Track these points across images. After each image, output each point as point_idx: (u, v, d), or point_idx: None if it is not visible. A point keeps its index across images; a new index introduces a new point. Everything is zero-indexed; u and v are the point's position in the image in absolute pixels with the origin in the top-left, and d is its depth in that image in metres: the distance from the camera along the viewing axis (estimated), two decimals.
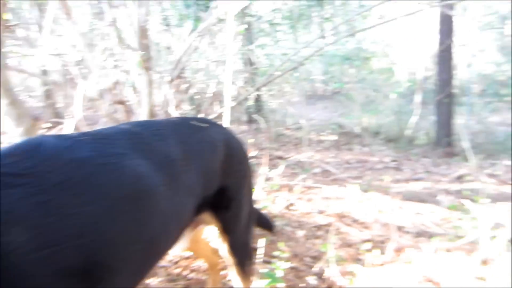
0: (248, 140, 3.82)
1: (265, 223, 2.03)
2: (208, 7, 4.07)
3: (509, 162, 5.04)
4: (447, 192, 3.98)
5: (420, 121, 7.73)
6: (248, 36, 6.26)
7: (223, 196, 1.49)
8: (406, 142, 6.80)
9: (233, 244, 1.58)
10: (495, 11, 8.88)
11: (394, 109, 8.18)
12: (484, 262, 2.25)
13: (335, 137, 7.49)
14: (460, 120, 7.98)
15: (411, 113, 8.16)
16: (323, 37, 4.36)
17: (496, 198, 3.56)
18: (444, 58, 5.78)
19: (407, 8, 4.42)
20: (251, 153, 3.73)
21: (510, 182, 4.22)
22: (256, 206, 2.27)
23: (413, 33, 9.94)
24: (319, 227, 3.11)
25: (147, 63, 2.79)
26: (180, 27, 4.91)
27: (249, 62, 6.05)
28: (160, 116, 3.39)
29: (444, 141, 6.11)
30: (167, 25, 5.12)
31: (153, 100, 2.96)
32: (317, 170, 4.93)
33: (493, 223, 2.34)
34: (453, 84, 6.31)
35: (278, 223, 3.07)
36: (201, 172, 1.34)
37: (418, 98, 6.55)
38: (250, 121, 7.28)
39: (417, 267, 2.36)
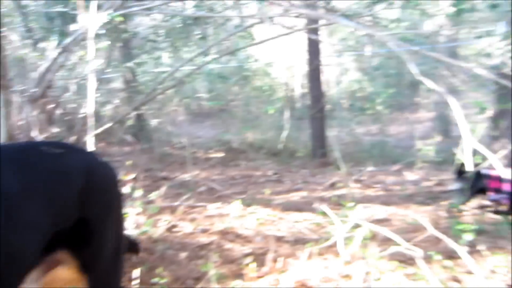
0: (127, 162, 3.62)
1: (132, 246, 1.89)
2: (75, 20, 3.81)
3: (372, 168, 5.68)
4: (322, 199, 4.29)
5: (299, 134, 8.32)
6: (127, 53, 6.03)
7: (83, 230, 1.31)
8: (287, 155, 7.20)
9: (94, 285, 1.39)
10: (356, 36, 10.06)
11: (275, 124, 8.65)
12: (347, 262, 2.45)
13: (222, 154, 7.59)
14: (332, 132, 8.77)
15: (289, 128, 8.73)
16: (204, 55, 4.41)
17: (361, 201, 3.96)
18: (314, 77, 6.31)
19: (278, 31, 4.75)
20: (131, 175, 3.53)
21: (373, 186, 4.75)
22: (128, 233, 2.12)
23: (290, 53, 10.71)
24: (202, 247, 3.05)
25: (3, 81, 2.47)
26: (46, 41, 4.50)
27: (128, 80, 5.81)
28: (22, 140, 3.02)
29: (319, 152, 6.63)
30: (31, 39, 4.65)
31: (12, 123, 2.62)
32: (202, 188, 4.90)
33: (354, 224, 2.57)
34: (325, 100, 6.93)
35: (159, 247, 2.94)
36: (50, 205, 1.18)
37: (287, 114, 6.97)
38: (134, 141, 6.96)
39: (292, 274, 2.46)
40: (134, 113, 5.24)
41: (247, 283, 2.41)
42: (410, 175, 5.39)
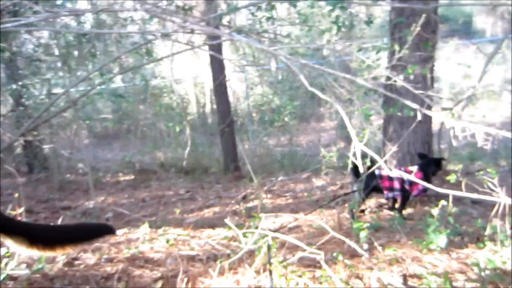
0: (16, 195, 3.25)
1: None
2: None
3: (283, 178, 5.87)
4: (234, 213, 4.30)
5: (212, 150, 8.30)
6: (11, 74, 5.45)
7: None
8: (200, 172, 7.12)
9: None
10: (260, 51, 10.44)
11: (187, 142, 8.54)
12: (258, 272, 2.47)
13: (131, 177, 7.27)
14: (244, 146, 8.91)
15: (202, 145, 8.68)
16: (100, 73, 4.17)
17: (272, 211, 4.05)
18: (220, 92, 6.36)
19: (178, 48, 4.71)
20: (20, 209, 3.17)
21: (284, 195, 4.90)
22: None
23: (196, 69, 10.72)
24: (107, 278, 2.85)
25: None
26: None
27: (16, 104, 5.26)
28: None
29: (231, 167, 6.67)
30: None
31: None
32: (109, 214, 4.62)
33: (261, 234, 2.61)
34: (232, 115, 7.01)
35: (57, 285, 2.68)
36: None
37: (187, 130, 6.89)
38: (29, 171, 6.33)
39: None
40: (22, 140, 4.73)
41: None
42: (317, 181, 5.65)
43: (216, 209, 4.63)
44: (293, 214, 4.00)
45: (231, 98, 9.35)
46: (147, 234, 3.56)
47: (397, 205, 3.83)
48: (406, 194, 3.64)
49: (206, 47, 4.81)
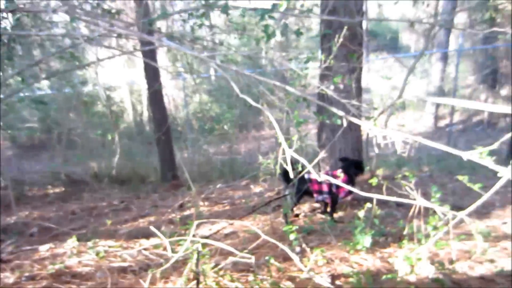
0: None
1: None
2: None
3: (222, 185, 5.88)
4: (170, 221, 4.23)
5: (150, 159, 8.09)
6: None
7: None
8: (137, 182, 6.91)
9: None
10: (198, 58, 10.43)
11: (123, 151, 8.24)
12: (189, 279, 2.45)
13: (62, 189, 6.87)
14: (184, 154, 8.79)
15: (139, 154, 8.44)
16: (22, 79, 3.91)
17: (208, 217, 4.04)
18: (155, 100, 6.22)
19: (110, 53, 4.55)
20: None
21: (221, 202, 4.90)
22: None
23: (132, 76, 10.42)
24: None
25: None
26: None
27: None
28: None
29: (169, 175, 6.55)
30: None
31: None
32: (34, 229, 4.32)
33: (195, 242, 2.59)
34: (172, 123, 6.90)
35: None
36: None
37: (116, 138, 6.64)
38: None
39: None
40: None
41: None
42: (256, 188, 5.73)
43: (152, 218, 4.52)
44: (229, 221, 4.02)
45: (169, 106, 9.20)
46: (75, 247, 3.38)
47: (329, 209, 3.99)
48: (334, 197, 3.82)
49: (139, 53, 4.70)
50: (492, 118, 12.30)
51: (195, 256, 2.21)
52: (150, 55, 5.44)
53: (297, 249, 3.03)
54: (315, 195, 3.85)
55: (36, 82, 4.31)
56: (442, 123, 13.14)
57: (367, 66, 12.17)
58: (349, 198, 4.14)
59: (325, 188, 3.77)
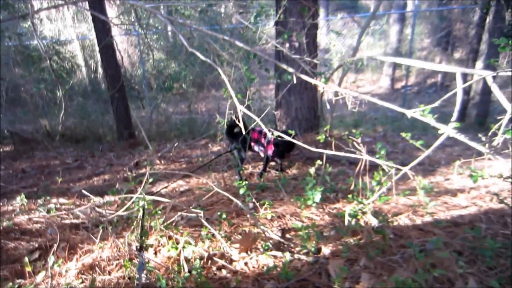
0: None
1: None
2: None
3: (179, 144, 5.84)
4: (125, 179, 4.19)
5: (107, 118, 7.85)
6: None
7: None
8: (92, 141, 6.72)
9: None
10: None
11: (77, 110, 7.94)
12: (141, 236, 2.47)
13: (11, 147, 6.57)
14: (142, 113, 8.59)
15: (95, 112, 8.14)
16: None
17: (164, 176, 4.04)
18: (107, 55, 5.92)
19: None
20: None
21: (178, 161, 4.88)
22: None
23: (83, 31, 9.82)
24: None
25: None
26: None
27: None
28: None
29: (125, 134, 6.40)
30: None
31: None
32: None
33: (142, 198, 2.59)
34: (128, 81, 6.65)
35: None
36: None
37: (59, 93, 6.28)
38: None
39: (81, 259, 2.34)
40: None
41: (29, 280, 2.17)
42: (214, 147, 5.73)
43: (106, 176, 4.45)
44: (185, 178, 4.04)
45: (124, 63, 8.81)
46: (24, 205, 3.29)
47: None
48: (266, 153, 3.85)
49: (85, 5, 4.40)
50: (445, 80, 12.79)
51: (141, 212, 2.22)
52: (98, 7, 5.11)
53: (250, 204, 3.11)
54: (252, 143, 3.87)
55: None
56: (398, 85, 13.53)
57: (326, 26, 12.12)
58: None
59: (262, 140, 3.81)
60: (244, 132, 3.44)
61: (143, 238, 2.12)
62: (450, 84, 12.11)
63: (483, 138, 2.13)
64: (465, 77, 7.19)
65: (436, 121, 2.15)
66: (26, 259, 2.22)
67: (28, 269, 2.19)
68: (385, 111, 9.92)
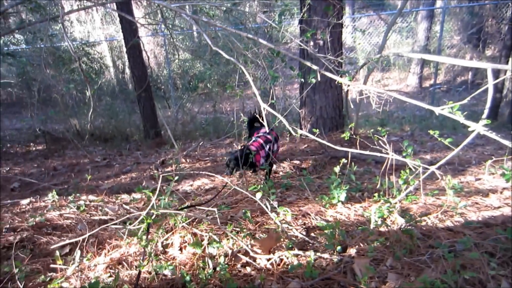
0: None
1: None
2: None
3: (205, 143, 5.89)
4: (152, 177, 4.26)
5: (134, 117, 8.03)
6: None
7: None
8: (121, 140, 6.89)
9: None
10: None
11: (106, 110, 8.14)
12: (167, 231, 2.52)
13: (43, 146, 6.81)
14: (167, 113, 8.72)
15: (123, 112, 8.34)
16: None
17: (189, 174, 4.09)
18: (134, 56, 6.04)
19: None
20: None
21: (203, 159, 4.93)
22: None
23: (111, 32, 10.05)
24: (9, 247, 2.70)
25: None
26: None
27: None
28: None
29: (152, 133, 6.52)
30: None
31: None
32: (15, 184, 4.31)
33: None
34: (154, 81, 6.77)
35: None
36: None
37: (88, 93, 6.47)
38: None
39: (109, 253, 2.40)
40: None
41: (60, 273, 2.24)
42: (239, 146, 5.75)
43: (133, 174, 4.54)
44: (210, 177, 4.07)
45: (151, 64, 8.97)
46: (55, 201, 3.40)
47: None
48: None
49: (113, 6, 4.50)
50: (476, 79, 12.40)
51: (172, 210, 2.25)
52: (125, 8, 5.22)
53: (275, 203, 3.10)
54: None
55: (5, 34, 4.12)
56: (427, 83, 13.20)
57: (351, 25, 11.96)
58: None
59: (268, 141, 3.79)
60: (266, 128, 3.45)
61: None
62: (481, 82, 11.73)
63: None
64: (497, 74, 6.95)
65: (465, 119, 2.09)
66: (57, 253, 2.30)
67: (59, 262, 2.27)
68: (413, 110, 9.71)
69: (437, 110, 2.17)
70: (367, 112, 9.13)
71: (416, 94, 12.35)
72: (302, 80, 4.23)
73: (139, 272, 2.04)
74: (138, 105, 6.45)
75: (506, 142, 1.99)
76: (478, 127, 2.05)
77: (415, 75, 12.94)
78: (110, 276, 2.17)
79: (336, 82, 4.47)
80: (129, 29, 5.64)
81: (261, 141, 3.69)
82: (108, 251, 2.49)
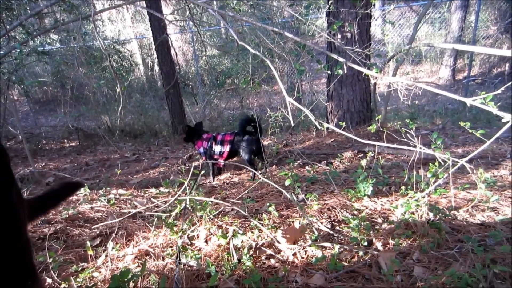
0: None
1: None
2: None
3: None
4: (179, 172, 4.34)
5: (163, 114, 8.19)
6: None
7: None
8: (150, 136, 7.04)
9: None
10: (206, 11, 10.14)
11: (135, 106, 8.34)
12: (193, 224, 2.56)
13: (76, 142, 7.06)
14: (195, 109, 8.83)
15: (152, 108, 8.51)
16: (28, 32, 3.91)
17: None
18: (162, 53, 6.15)
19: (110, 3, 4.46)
20: None
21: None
22: None
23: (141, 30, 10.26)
24: (44, 238, 2.82)
25: None
26: None
27: None
28: None
29: (179, 129, 6.63)
30: None
31: None
32: (50, 179, 4.50)
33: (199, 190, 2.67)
34: (182, 77, 6.87)
35: None
36: None
37: (118, 89, 6.58)
38: None
39: (137, 245, 2.46)
40: None
41: (91, 264, 2.33)
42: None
43: (162, 169, 4.63)
44: (236, 171, 4.10)
45: (179, 60, 9.09)
46: (87, 195, 3.53)
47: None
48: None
49: (142, 3, 4.59)
50: None
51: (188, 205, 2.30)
52: (154, 5, 5.32)
53: (300, 196, 3.09)
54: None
55: (41, 34, 4.29)
56: (460, 76, 12.74)
57: (381, 17, 11.68)
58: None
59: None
60: (258, 133, 3.54)
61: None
62: None
63: None
64: None
65: (500, 111, 2.00)
66: (88, 244, 2.39)
67: (90, 253, 2.36)
68: (445, 103, 9.40)
69: (469, 101, 2.10)
70: (396, 106, 8.92)
71: (448, 87, 11.94)
72: (329, 72, 4.18)
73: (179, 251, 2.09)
74: (166, 101, 6.57)
75: None
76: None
77: (448, 68, 12.50)
78: (138, 266, 2.23)
79: (363, 75, 4.39)
80: (158, 27, 5.74)
81: (220, 137, 3.99)
82: (136, 242, 2.56)
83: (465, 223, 2.40)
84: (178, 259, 2.15)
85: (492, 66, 12.74)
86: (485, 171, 3.35)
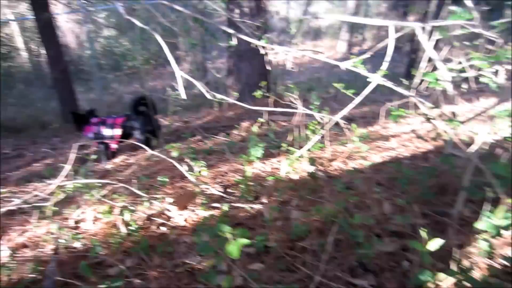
0: None
1: None
2: None
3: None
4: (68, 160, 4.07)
5: (53, 104, 7.53)
6: None
7: None
8: (38, 129, 6.45)
9: None
10: None
11: (18, 98, 7.55)
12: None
13: None
14: (90, 95, 8.30)
15: (39, 100, 7.80)
16: None
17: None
18: (47, 35, 5.60)
19: None
20: None
21: None
22: None
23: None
24: None
25: None
26: None
27: None
28: None
29: (71, 117, 6.17)
30: None
31: None
32: None
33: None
34: (76, 61, 6.36)
35: None
36: None
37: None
38: None
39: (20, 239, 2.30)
40: None
41: None
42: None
43: (49, 161, 4.32)
44: (132, 152, 4.01)
45: (71, 44, 8.44)
46: None
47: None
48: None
49: None
50: (398, 43, 13.07)
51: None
52: None
53: (196, 168, 3.11)
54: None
55: None
56: (355, 50, 13.73)
57: None
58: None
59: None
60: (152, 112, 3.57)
61: None
62: (402, 46, 12.38)
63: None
64: (412, 38, 7.37)
65: (385, 80, 2.18)
66: None
67: None
68: (340, 75, 10.07)
69: (343, 65, 2.26)
70: (298, 80, 9.38)
71: (344, 59, 12.80)
72: (227, 45, 4.23)
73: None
74: (55, 89, 6.03)
75: (398, 89, 2.12)
76: (376, 78, 2.17)
77: (344, 42, 13.46)
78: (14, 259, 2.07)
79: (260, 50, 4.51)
80: (40, 5, 5.15)
81: (110, 121, 4.05)
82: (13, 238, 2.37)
83: (340, 171, 2.64)
84: (57, 243, 2.05)
85: (380, 40, 13.91)
86: (363, 128, 3.71)
